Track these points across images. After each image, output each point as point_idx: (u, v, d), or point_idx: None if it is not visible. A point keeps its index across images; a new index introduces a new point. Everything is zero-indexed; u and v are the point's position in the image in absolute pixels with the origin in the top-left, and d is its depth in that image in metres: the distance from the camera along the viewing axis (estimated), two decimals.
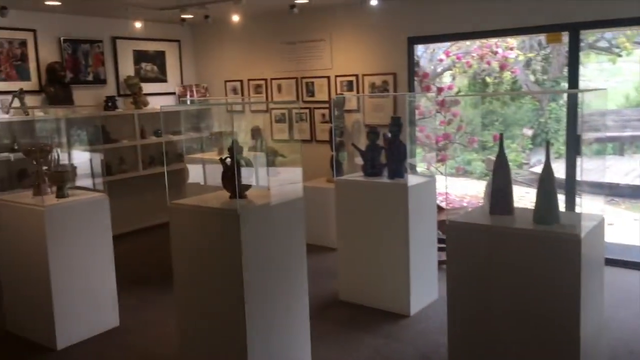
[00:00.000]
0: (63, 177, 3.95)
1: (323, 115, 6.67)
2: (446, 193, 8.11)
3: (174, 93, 7.46)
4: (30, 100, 5.87)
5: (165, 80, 7.38)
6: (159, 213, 7.48)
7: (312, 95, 6.72)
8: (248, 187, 3.28)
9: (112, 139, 6.56)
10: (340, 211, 4.55)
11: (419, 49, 7.00)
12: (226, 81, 7.44)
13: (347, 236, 4.51)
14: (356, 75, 6.36)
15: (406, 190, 4.12)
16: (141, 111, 6.78)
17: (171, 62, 7.43)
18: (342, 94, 6.37)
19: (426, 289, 4.47)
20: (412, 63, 6.05)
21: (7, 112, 5.62)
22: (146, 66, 7.14)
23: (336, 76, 6.51)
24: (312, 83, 6.69)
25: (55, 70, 6.04)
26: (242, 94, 7.32)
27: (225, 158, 3.20)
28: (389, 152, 4.34)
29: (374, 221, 4.32)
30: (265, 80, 7.08)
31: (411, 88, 6.05)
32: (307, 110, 6.77)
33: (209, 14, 5.89)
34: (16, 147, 5.64)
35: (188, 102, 7.43)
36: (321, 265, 5.43)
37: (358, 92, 6.36)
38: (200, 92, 7.56)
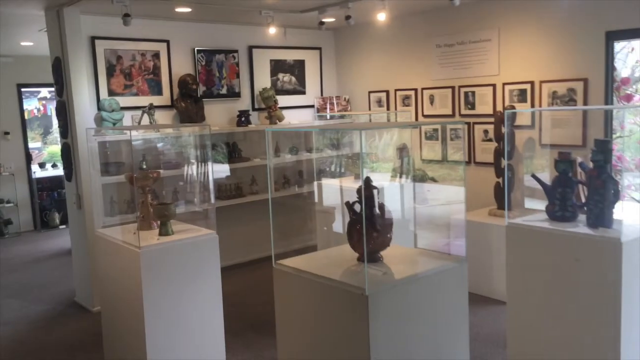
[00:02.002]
0: (166, 212, 3.29)
1: (485, 131, 5.44)
2: None
3: (312, 106, 6.74)
4: (160, 116, 5.50)
5: (303, 92, 6.68)
6: (293, 238, 6.83)
7: (472, 107, 5.53)
8: (386, 244, 2.28)
9: (244, 157, 5.99)
10: (513, 264, 3.34)
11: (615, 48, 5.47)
12: (370, 92, 6.54)
13: (522, 297, 3.29)
14: (531, 83, 5.05)
15: (619, 247, 2.81)
16: (276, 126, 6.14)
17: (311, 72, 6.72)
18: (512, 106, 5.09)
19: None
20: (610, 65, 4.60)
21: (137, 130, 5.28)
22: (284, 77, 6.51)
23: (504, 84, 5.25)
24: (473, 93, 5.50)
25: (187, 83, 5.61)
26: (388, 107, 6.36)
27: (353, 203, 2.24)
28: (590, 190, 3.05)
29: (564, 283, 3.06)
30: (415, 90, 6.03)
31: (609, 97, 4.60)
32: (465, 126, 5.60)
33: (350, 14, 5.02)
34: (144, 167, 5.27)
35: (327, 117, 6.66)
36: (483, 325, 4.24)
37: (533, 103, 5.05)
38: (341, 105, 6.75)
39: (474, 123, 5.51)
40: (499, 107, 5.26)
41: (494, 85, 5.33)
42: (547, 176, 3.49)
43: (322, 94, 6.80)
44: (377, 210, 2.22)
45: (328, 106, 6.68)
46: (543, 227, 3.17)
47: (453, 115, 5.69)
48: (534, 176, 3.41)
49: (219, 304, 3.42)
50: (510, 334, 3.42)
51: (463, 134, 5.68)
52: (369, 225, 2.16)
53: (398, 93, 6.22)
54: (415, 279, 2.13)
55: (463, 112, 5.60)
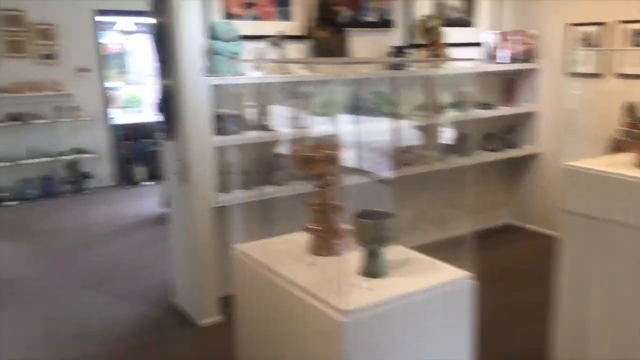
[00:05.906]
0: (384, 232, 1.69)
1: None
2: None
3: (479, 44, 4.90)
4: (292, 50, 3.88)
5: (468, 24, 4.84)
6: (458, 220, 5.17)
7: None
8: None
9: (396, 114, 4.31)
10: None
11: None
12: (571, 24, 4.62)
13: None
14: None
15: None
16: (441, 71, 4.40)
17: None
18: None
19: None
20: None
21: (258, 68, 3.71)
22: (452, 2, 4.68)
23: None
24: None
25: (327, 5, 3.93)
26: (601, 46, 4.44)
27: None
28: None
29: None
30: None
31: None
32: None
33: None
34: (265, 124, 3.74)
35: (508, 60, 4.82)
36: None
37: None
38: (526, 44, 4.87)
39: None
40: None
41: None
42: None
43: (498, 28, 4.93)
44: None
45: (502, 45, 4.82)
46: None
47: None
48: None
49: None
50: None
51: None
52: None
53: (624, 27, 4.27)
54: None
55: None
